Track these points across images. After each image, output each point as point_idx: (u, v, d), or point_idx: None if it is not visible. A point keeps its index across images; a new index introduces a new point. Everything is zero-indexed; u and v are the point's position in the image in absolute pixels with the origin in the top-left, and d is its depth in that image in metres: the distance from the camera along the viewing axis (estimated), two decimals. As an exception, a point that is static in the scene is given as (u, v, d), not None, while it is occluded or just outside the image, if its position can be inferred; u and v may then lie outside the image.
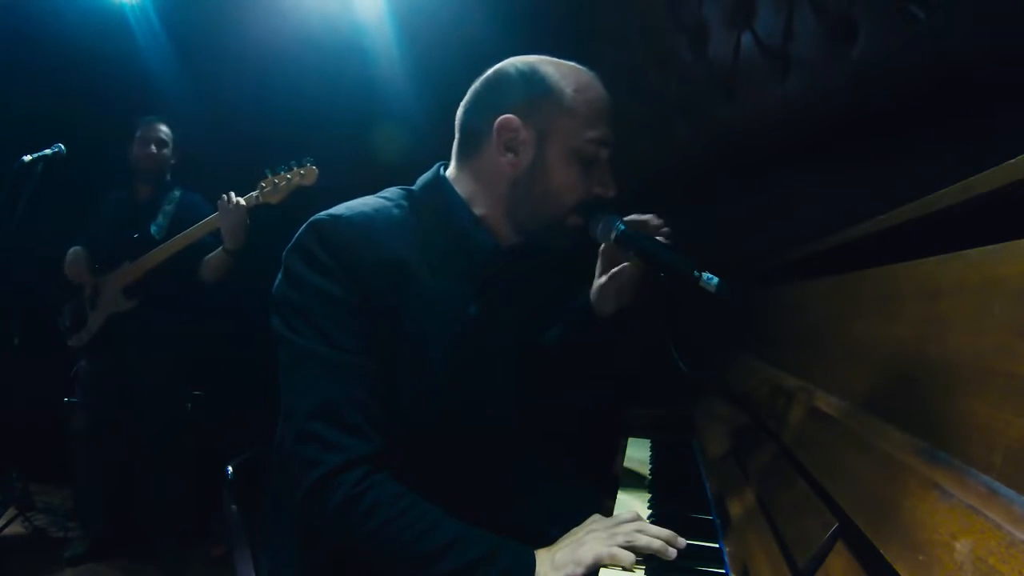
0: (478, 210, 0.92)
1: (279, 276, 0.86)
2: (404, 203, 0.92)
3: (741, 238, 1.68)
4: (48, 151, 2.16)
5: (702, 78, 1.80)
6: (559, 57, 0.92)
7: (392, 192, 0.94)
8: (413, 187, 0.95)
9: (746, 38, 1.59)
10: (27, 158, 2.11)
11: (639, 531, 0.78)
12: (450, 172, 0.96)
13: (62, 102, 2.69)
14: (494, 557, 0.77)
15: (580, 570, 0.76)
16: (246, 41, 2.63)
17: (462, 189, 0.93)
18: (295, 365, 0.81)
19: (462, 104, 0.95)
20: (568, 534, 0.84)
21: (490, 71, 0.93)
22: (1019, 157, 0.47)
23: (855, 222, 0.82)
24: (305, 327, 0.81)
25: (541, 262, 1.10)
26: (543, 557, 0.79)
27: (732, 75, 1.66)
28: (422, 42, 2.11)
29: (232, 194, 2.02)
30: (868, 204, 0.81)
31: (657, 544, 0.76)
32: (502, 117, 0.88)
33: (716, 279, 0.86)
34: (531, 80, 0.89)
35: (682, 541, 0.78)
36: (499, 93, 0.90)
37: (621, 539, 0.77)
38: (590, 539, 0.79)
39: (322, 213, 0.86)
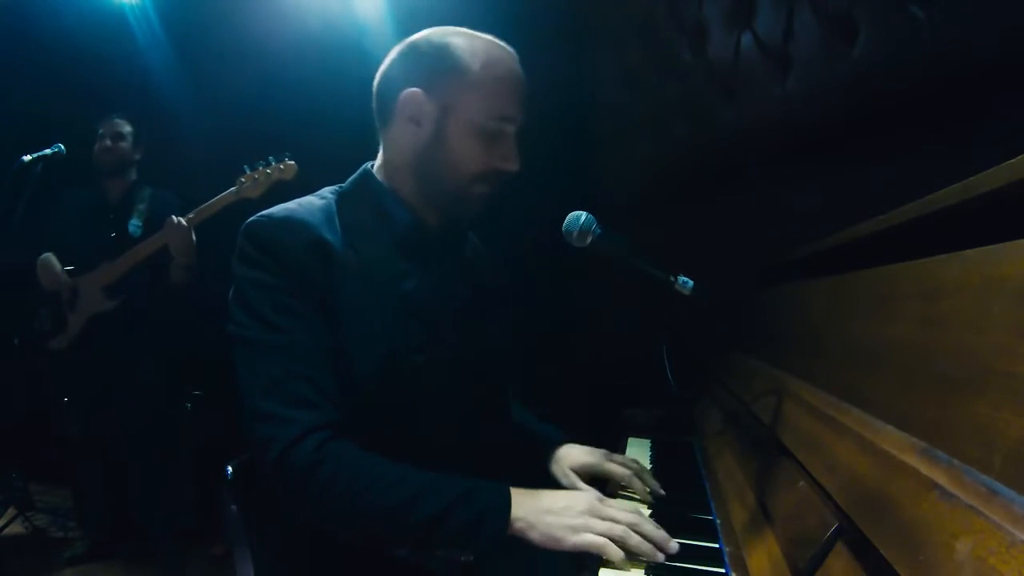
0: (400, 191, 0.96)
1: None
2: (330, 196, 0.96)
3: (741, 238, 1.68)
4: (48, 151, 2.17)
5: (702, 78, 1.80)
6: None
7: (323, 190, 0.99)
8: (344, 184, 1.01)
9: (746, 38, 1.59)
10: (27, 158, 2.11)
11: (635, 528, 0.77)
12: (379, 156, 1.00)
13: (62, 102, 2.69)
14: (468, 499, 0.77)
15: (566, 547, 0.75)
16: (246, 41, 2.63)
17: (383, 167, 0.98)
18: (243, 356, 0.85)
19: (379, 72, 0.97)
20: (564, 495, 0.83)
21: (406, 41, 0.95)
22: (1019, 157, 0.47)
23: (855, 222, 0.82)
24: (246, 319, 0.85)
25: (479, 249, 1.13)
26: (522, 499, 0.79)
27: (732, 75, 1.66)
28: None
29: (174, 216, 2.11)
30: (868, 204, 0.81)
31: (646, 547, 0.75)
32: (407, 91, 0.90)
33: (691, 282, 0.91)
34: (440, 54, 0.90)
35: (674, 545, 0.77)
36: (408, 66, 0.93)
37: (617, 532, 0.76)
38: (585, 521, 0.77)
39: (251, 217, 0.90)
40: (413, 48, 0.93)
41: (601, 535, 0.75)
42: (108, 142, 2.30)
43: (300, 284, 0.85)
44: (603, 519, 0.78)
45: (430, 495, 0.77)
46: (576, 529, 0.76)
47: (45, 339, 2.29)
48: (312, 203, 0.93)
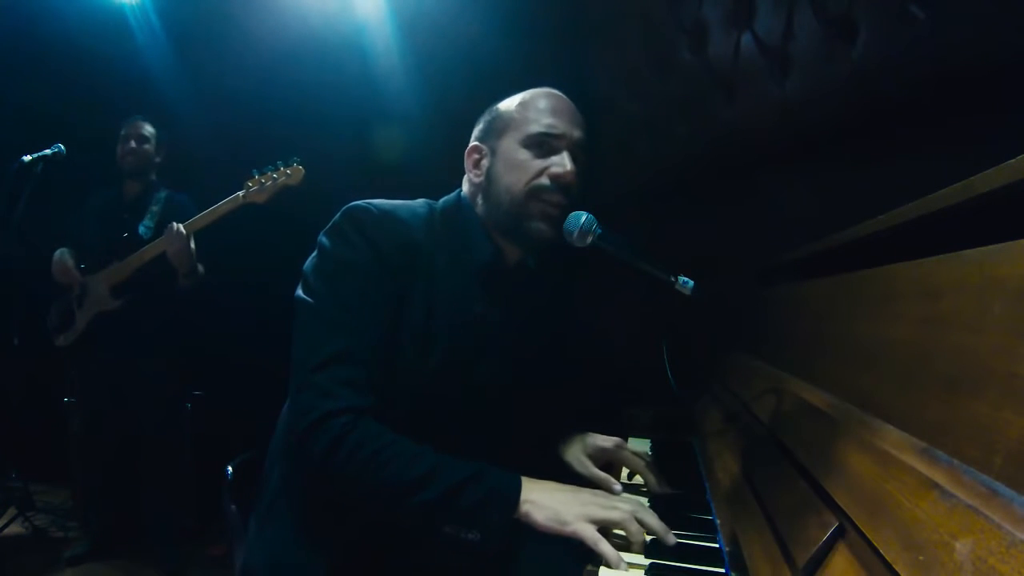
0: (489, 227, 1.02)
1: (313, 254, 0.95)
2: (427, 208, 1.03)
3: (741, 238, 1.68)
4: (48, 151, 2.17)
5: (702, 78, 1.80)
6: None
7: (419, 200, 1.04)
8: (438, 201, 1.06)
9: (746, 38, 1.59)
10: (27, 158, 2.11)
11: (637, 516, 0.80)
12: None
13: (62, 102, 2.69)
14: (480, 477, 0.82)
15: (567, 531, 0.79)
16: (246, 41, 2.63)
17: (469, 198, 1.05)
18: (307, 323, 0.89)
19: None
20: (572, 487, 0.86)
21: None
22: (1019, 157, 0.47)
23: (855, 222, 0.82)
24: (322, 289, 0.90)
25: (550, 281, 1.19)
26: (531, 484, 0.84)
27: (732, 75, 1.66)
28: (422, 42, 2.11)
29: (174, 224, 2.10)
30: (868, 204, 0.81)
31: (641, 537, 0.79)
32: (469, 146, 1.05)
33: (691, 283, 0.92)
34: (491, 113, 1.04)
35: (671, 537, 0.80)
36: (475, 129, 1.06)
37: (617, 516, 0.80)
38: (587, 509, 0.81)
39: (355, 201, 0.95)
40: (480, 117, 1.07)
41: (603, 519, 0.80)
42: (132, 144, 2.31)
43: (385, 276, 0.91)
44: (606, 507, 0.82)
45: (445, 471, 0.82)
46: (579, 515, 0.80)
47: (53, 334, 2.30)
48: (413, 209, 1.00)
